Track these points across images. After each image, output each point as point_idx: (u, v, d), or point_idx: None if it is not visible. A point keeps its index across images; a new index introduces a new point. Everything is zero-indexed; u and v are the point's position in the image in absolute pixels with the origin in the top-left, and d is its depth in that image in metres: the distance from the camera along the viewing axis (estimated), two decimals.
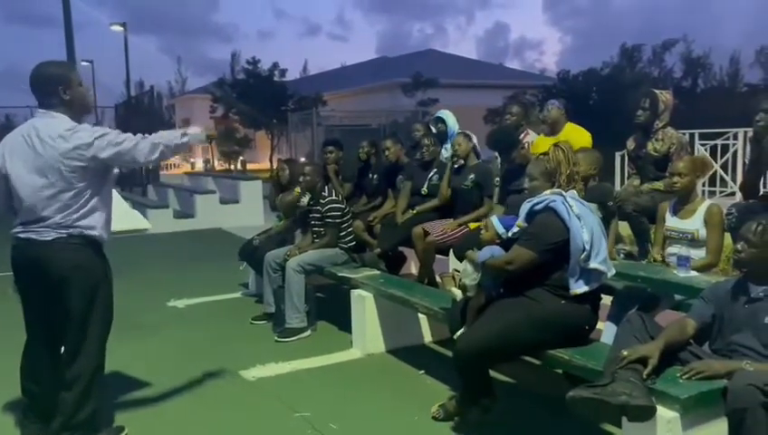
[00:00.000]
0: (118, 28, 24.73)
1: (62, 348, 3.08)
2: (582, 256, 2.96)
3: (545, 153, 3.30)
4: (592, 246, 2.98)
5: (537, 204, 3.11)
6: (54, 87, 2.95)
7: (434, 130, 6.20)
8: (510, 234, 3.23)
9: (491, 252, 3.18)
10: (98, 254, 3.06)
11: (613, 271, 3.15)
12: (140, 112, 19.04)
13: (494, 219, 3.40)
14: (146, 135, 3.04)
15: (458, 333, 3.26)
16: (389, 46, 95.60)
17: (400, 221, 5.36)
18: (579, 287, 3.00)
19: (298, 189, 5.59)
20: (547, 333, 3.00)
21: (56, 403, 3.04)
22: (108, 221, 3.10)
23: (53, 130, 2.89)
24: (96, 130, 2.97)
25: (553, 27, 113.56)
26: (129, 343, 4.56)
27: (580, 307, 3.05)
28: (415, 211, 5.32)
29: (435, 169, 5.45)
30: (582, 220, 2.99)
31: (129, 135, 3.00)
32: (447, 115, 6.12)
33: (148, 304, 5.95)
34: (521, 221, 3.20)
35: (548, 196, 3.10)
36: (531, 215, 3.14)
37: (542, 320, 2.98)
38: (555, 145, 3.31)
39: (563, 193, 3.09)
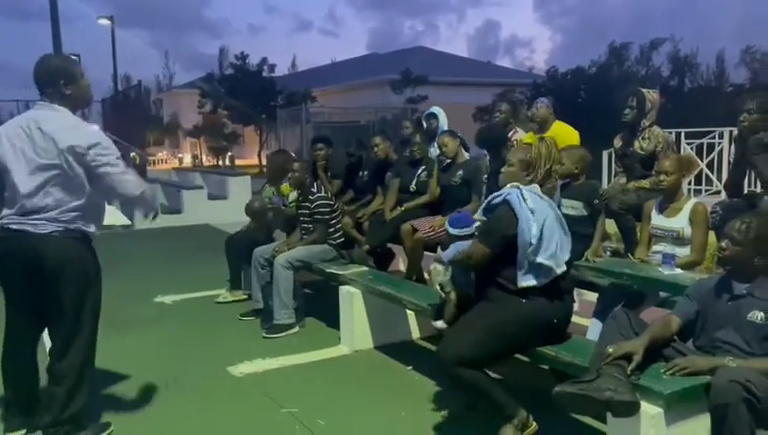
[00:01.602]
0: (105, 22, 24.60)
1: (50, 343, 3.05)
2: (530, 250, 2.91)
3: (529, 144, 3.30)
4: (541, 241, 2.92)
5: (495, 197, 3.09)
6: (58, 80, 2.94)
7: (425, 125, 6.24)
8: (474, 230, 3.21)
9: (456, 248, 3.18)
10: (90, 248, 3.06)
11: (563, 268, 3.01)
12: (128, 107, 18.88)
13: (446, 223, 3.41)
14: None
15: (438, 324, 3.28)
16: (380, 43, 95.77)
17: (388, 218, 5.37)
18: (526, 281, 2.94)
19: (287, 186, 5.57)
20: (522, 332, 2.95)
21: (39, 398, 3.03)
22: (102, 216, 3.10)
23: (56, 123, 2.88)
24: (96, 138, 2.94)
25: (544, 25, 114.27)
26: (116, 338, 4.54)
27: (540, 300, 2.97)
28: (403, 208, 5.33)
29: (423, 166, 5.46)
30: (535, 214, 2.93)
31: (122, 163, 2.98)
32: (440, 111, 6.16)
33: (135, 299, 5.93)
34: (479, 216, 3.19)
35: (507, 189, 3.07)
36: (488, 209, 3.12)
37: (515, 321, 2.93)
38: (541, 139, 3.29)
39: (521, 187, 3.04)
